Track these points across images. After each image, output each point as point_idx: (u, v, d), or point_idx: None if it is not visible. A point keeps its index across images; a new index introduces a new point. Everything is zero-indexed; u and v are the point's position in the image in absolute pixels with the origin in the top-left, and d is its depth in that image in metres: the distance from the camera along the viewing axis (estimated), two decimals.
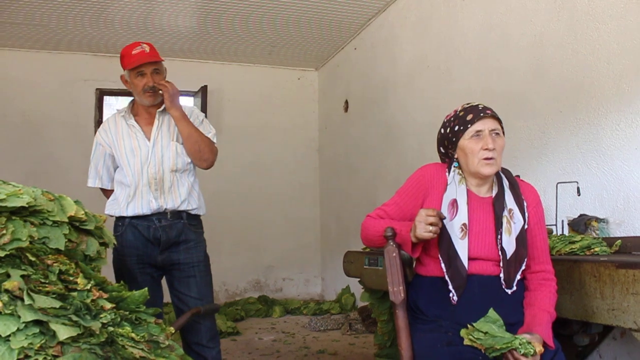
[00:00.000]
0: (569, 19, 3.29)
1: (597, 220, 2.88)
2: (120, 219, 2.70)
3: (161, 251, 2.66)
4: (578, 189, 3.04)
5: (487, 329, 1.72)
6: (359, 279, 3.61)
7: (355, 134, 6.46)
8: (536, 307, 1.87)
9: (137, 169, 2.65)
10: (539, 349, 1.70)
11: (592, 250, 2.35)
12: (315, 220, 7.54)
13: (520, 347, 1.68)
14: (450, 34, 4.52)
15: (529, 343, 1.69)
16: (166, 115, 2.72)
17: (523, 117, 3.64)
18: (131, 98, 2.82)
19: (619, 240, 2.54)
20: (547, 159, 3.45)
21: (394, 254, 1.85)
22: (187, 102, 6.97)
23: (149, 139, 2.69)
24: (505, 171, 2.04)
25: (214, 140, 2.78)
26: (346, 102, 6.74)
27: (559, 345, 1.85)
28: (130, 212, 2.65)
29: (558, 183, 3.15)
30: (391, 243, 1.85)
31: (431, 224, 1.75)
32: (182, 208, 2.67)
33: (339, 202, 6.90)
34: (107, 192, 2.84)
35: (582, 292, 2.01)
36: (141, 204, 2.64)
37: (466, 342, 1.74)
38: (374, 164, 5.92)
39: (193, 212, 2.72)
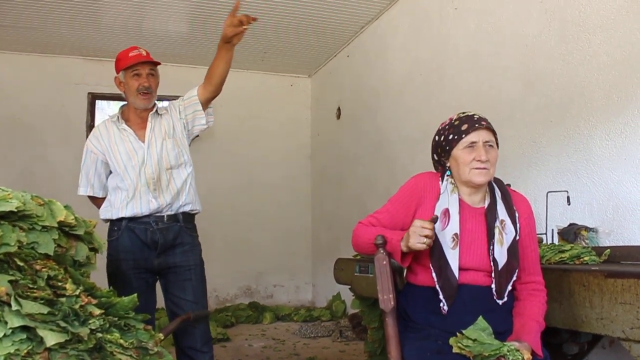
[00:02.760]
0: (559, 30, 3.32)
1: (587, 229, 2.89)
2: (115, 224, 2.70)
3: (158, 254, 2.67)
4: (568, 198, 3.06)
5: (476, 336, 1.73)
6: (349, 286, 3.61)
7: (347, 141, 6.47)
8: (525, 316, 1.87)
9: (135, 172, 2.67)
10: (527, 356, 1.70)
11: (581, 259, 2.36)
12: (306, 227, 7.53)
13: (508, 354, 1.68)
14: (443, 43, 4.54)
15: (517, 350, 1.69)
16: (158, 118, 2.75)
17: (514, 126, 3.66)
18: (123, 102, 2.83)
19: (608, 250, 2.55)
20: (537, 168, 3.46)
21: (384, 262, 1.85)
22: None
23: (143, 142, 2.71)
24: (498, 181, 2.04)
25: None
26: (338, 109, 6.75)
27: (547, 354, 1.86)
28: (128, 213, 2.65)
29: (548, 192, 3.16)
30: (381, 251, 1.85)
31: (425, 236, 1.75)
32: (177, 203, 2.69)
33: (331, 209, 6.89)
34: (96, 200, 2.83)
35: (571, 301, 2.01)
36: (140, 204, 2.65)
37: (455, 349, 1.73)
38: (366, 172, 5.93)
39: (187, 210, 2.73)
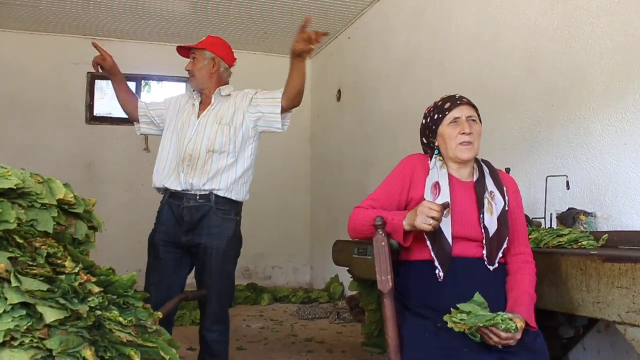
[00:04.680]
0: (563, 13, 3.30)
1: (586, 214, 2.90)
2: (163, 196, 2.84)
3: (186, 232, 2.74)
4: (567, 183, 3.06)
5: (470, 309, 1.75)
6: (348, 268, 3.63)
7: (348, 123, 6.45)
8: (517, 289, 1.91)
9: (180, 144, 2.79)
10: (521, 324, 1.74)
11: (579, 243, 2.37)
12: (305, 209, 7.54)
13: (502, 322, 1.71)
14: (444, 26, 4.51)
15: (511, 319, 1.72)
16: (221, 99, 2.88)
17: (515, 110, 3.65)
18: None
19: (606, 235, 2.56)
20: (537, 153, 3.46)
21: (383, 243, 1.85)
22: (180, 88, 6.93)
23: (197, 118, 2.83)
24: (485, 161, 2.11)
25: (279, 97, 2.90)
26: (339, 91, 6.72)
27: (540, 332, 1.89)
28: (168, 184, 2.78)
29: (548, 177, 3.16)
30: (380, 232, 1.86)
31: (432, 218, 1.76)
32: (207, 187, 2.72)
33: (330, 191, 6.90)
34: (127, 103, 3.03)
35: (568, 284, 2.03)
36: (174, 178, 2.76)
37: (450, 325, 1.75)
38: (366, 154, 5.93)
39: (221, 194, 2.75)
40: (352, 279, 3.77)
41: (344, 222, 2.09)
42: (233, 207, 2.81)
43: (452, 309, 1.78)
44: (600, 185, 3.02)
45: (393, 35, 5.38)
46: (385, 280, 1.85)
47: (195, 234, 2.73)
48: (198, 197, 2.73)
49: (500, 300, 1.89)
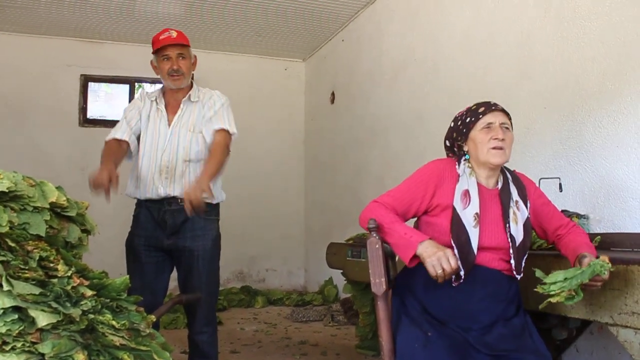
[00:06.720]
0: (555, 16, 3.31)
1: (578, 216, 2.91)
2: (138, 200, 2.78)
3: (168, 235, 2.70)
4: (560, 185, 3.07)
5: (557, 277, 1.75)
6: (341, 271, 3.63)
7: (341, 126, 6.46)
8: (576, 242, 1.98)
9: (153, 154, 2.71)
10: (604, 257, 1.77)
11: None
12: (299, 211, 7.54)
13: (602, 269, 1.73)
14: (438, 29, 4.53)
15: (602, 261, 1.75)
16: (190, 105, 2.77)
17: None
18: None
19: (599, 237, 2.57)
20: (530, 155, 3.47)
21: (377, 246, 1.86)
22: None
23: (169, 127, 2.74)
24: (507, 168, 2.12)
25: (230, 130, 2.79)
26: (332, 94, 6.73)
27: (529, 317, 1.95)
28: (141, 195, 2.71)
29: (540, 179, 3.17)
30: (374, 235, 1.86)
31: (443, 270, 1.74)
32: None
33: (324, 193, 6.90)
34: (108, 142, 2.79)
35: None
36: (151, 189, 2.69)
37: (553, 299, 1.75)
38: (359, 157, 5.93)
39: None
40: (346, 282, 3.78)
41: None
42: (213, 208, 2.82)
43: (538, 286, 1.79)
44: (593, 187, 3.03)
45: (386, 38, 5.39)
46: (378, 283, 1.85)
47: (178, 237, 2.70)
48: (179, 200, 2.65)
49: (508, 311, 1.92)
